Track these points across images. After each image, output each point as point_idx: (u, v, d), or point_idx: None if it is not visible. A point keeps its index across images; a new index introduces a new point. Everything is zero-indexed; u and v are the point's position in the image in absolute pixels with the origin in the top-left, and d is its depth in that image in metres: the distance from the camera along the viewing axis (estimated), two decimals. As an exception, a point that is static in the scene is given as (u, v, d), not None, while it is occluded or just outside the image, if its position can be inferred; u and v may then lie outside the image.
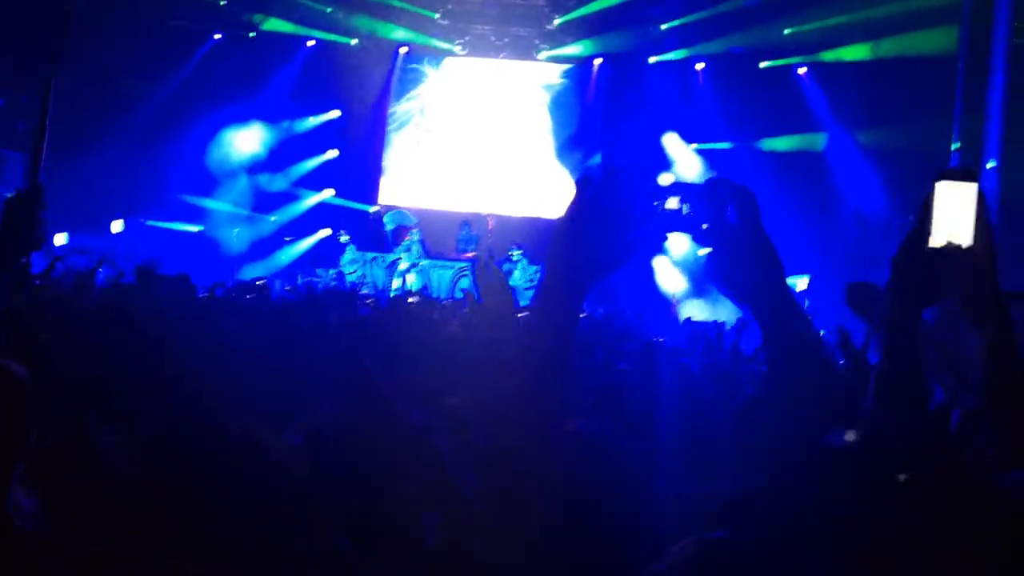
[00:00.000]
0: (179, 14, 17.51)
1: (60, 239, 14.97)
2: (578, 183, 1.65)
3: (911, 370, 1.76)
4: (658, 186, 1.68)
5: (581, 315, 1.75)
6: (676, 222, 1.68)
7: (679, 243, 1.74)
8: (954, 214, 1.72)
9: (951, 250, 1.71)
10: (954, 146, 12.62)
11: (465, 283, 16.26)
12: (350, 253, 16.77)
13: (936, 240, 1.72)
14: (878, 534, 1.39)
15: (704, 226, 1.68)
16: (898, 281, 1.77)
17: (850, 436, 1.49)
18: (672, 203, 1.67)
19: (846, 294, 3.40)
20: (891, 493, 1.40)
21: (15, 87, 16.04)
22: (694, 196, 1.68)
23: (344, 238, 16.84)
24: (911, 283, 1.76)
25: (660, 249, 15.76)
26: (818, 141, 16.71)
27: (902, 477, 1.40)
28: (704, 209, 1.67)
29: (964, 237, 1.71)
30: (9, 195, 2.31)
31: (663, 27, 17.65)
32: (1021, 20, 12.10)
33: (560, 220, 1.65)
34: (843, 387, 1.74)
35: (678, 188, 1.67)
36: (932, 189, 1.74)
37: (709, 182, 1.70)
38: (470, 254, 16.95)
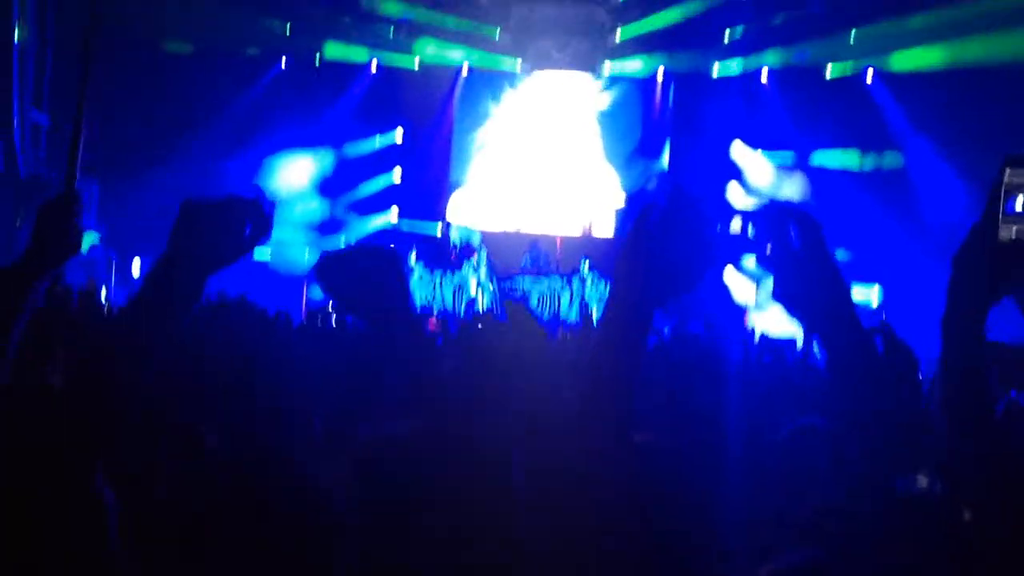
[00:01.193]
0: (246, 41, 17.86)
1: (136, 266, 15.36)
2: (643, 206, 1.67)
3: (976, 379, 1.66)
4: (722, 210, 1.68)
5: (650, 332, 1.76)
6: (740, 246, 1.67)
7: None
8: None
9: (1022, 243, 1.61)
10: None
11: (533, 302, 16.30)
12: (418, 272, 16.89)
13: (1005, 233, 1.62)
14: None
15: (767, 250, 1.67)
16: (961, 279, 1.67)
17: (921, 482, 1.45)
18: (736, 226, 1.66)
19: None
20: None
21: (85, 119, 16.46)
22: (757, 220, 1.67)
23: (412, 260, 16.97)
24: (976, 280, 1.66)
25: (723, 270, 15.72)
26: (892, 155, 16.33)
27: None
28: (767, 233, 1.67)
29: None
30: (41, 204, 2.32)
31: (727, 38, 17.52)
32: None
33: (626, 242, 1.66)
34: (907, 415, 1.69)
35: (742, 213, 1.67)
36: (1000, 176, 1.65)
37: (771, 206, 1.70)
38: (534, 272, 17.01)
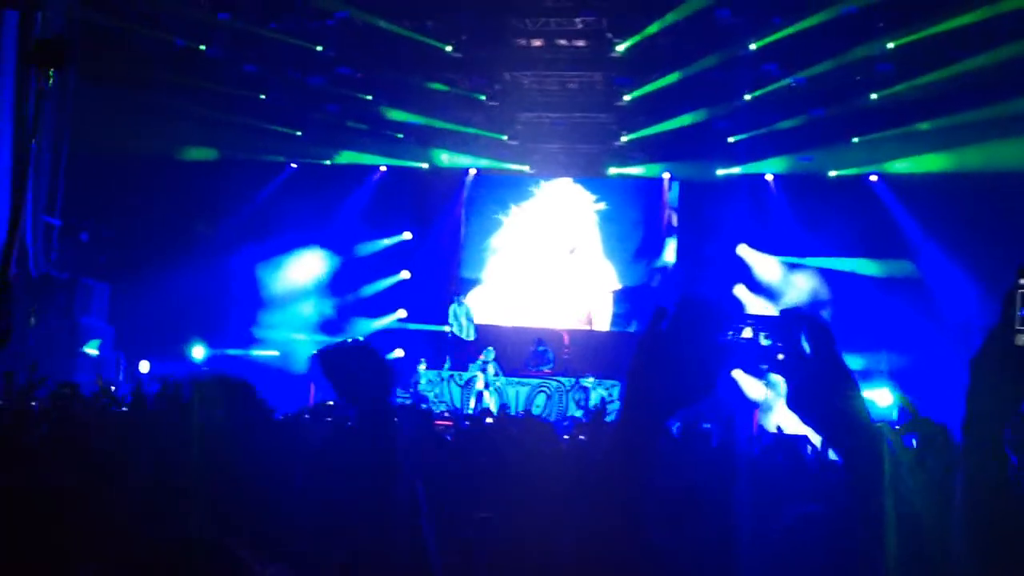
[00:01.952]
0: (260, 149, 18.19)
1: (144, 367, 15.38)
2: (654, 313, 1.68)
3: (998, 485, 1.63)
4: (733, 317, 1.68)
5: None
6: (752, 353, 1.68)
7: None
8: None
9: None
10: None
11: (541, 400, 16.24)
12: (427, 375, 16.89)
13: (1021, 339, 1.62)
14: None
15: (780, 356, 1.67)
16: (980, 384, 1.65)
17: None
18: (747, 333, 1.67)
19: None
20: None
21: (98, 221, 16.72)
22: (769, 327, 1.68)
23: (422, 366, 16.98)
24: (996, 386, 1.64)
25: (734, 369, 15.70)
26: (899, 257, 16.44)
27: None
28: (779, 340, 1.67)
29: None
30: None
31: (731, 140, 17.80)
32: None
33: (638, 346, 1.67)
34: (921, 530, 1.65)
35: (753, 319, 1.67)
36: (1016, 283, 1.65)
37: (782, 313, 1.70)
38: (546, 371, 16.97)
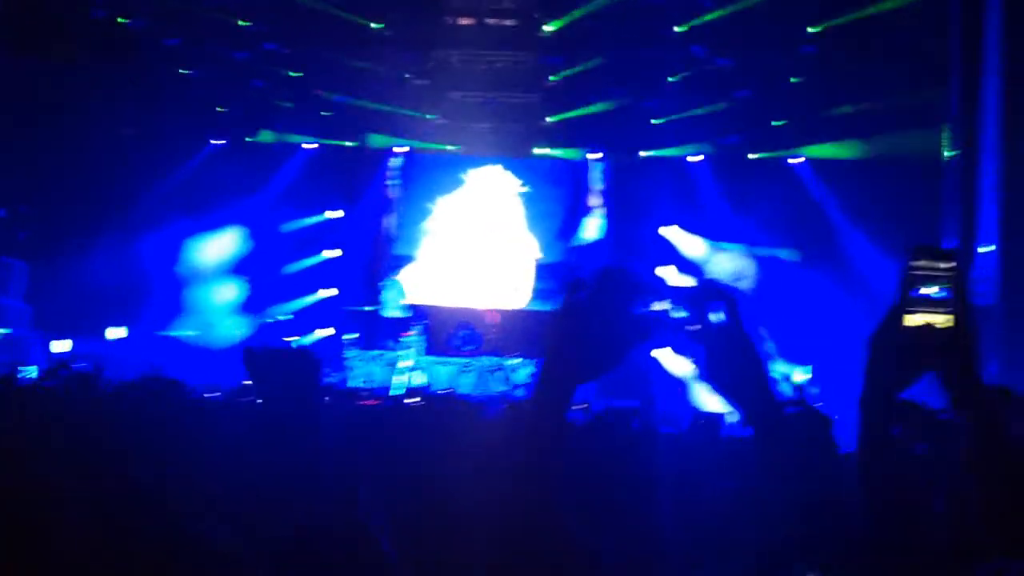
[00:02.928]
0: (179, 121, 17.81)
1: (62, 346, 15.04)
2: (569, 285, 1.67)
3: (888, 454, 1.72)
4: (647, 289, 1.69)
5: (575, 408, 1.76)
6: (665, 324, 1.69)
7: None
8: (931, 292, 1.67)
9: (928, 329, 1.66)
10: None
11: (467, 379, 16.26)
12: (354, 354, 16.78)
13: (912, 319, 1.68)
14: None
15: (693, 328, 1.69)
16: (875, 360, 1.73)
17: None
18: (661, 306, 1.68)
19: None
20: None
21: (16, 198, 16.27)
22: (681, 299, 1.69)
23: (347, 337, 16.87)
24: (887, 363, 1.71)
25: (651, 349, 15.67)
26: (821, 236, 16.77)
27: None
28: (692, 312, 1.69)
29: (941, 316, 1.66)
30: None
31: (654, 122, 17.94)
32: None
33: (553, 320, 1.67)
34: (820, 473, 1.72)
35: (668, 291, 1.69)
36: (907, 264, 1.71)
37: (695, 286, 1.72)
38: (470, 350, 16.99)
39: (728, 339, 1.69)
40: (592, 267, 1.71)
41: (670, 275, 16.90)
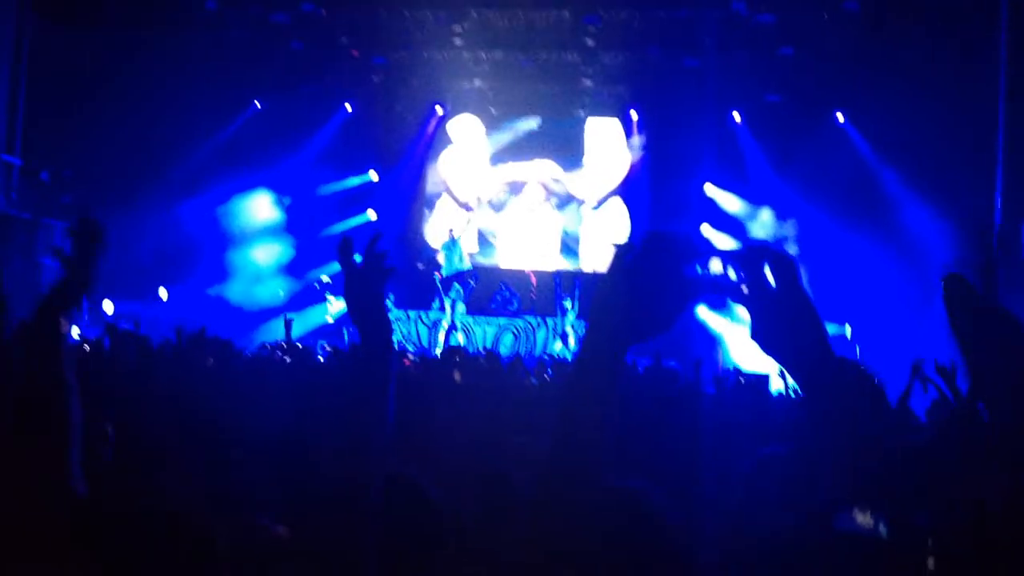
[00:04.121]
0: (219, 84, 17.87)
1: (108, 307, 15.26)
2: (619, 248, 1.67)
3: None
4: (698, 251, 1.68)
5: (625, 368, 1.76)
6: (718, 286, 1.68)
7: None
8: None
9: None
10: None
11: (508, 339, 16.33)
12: (395, 313, 16.89)
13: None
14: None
15: (744, 290, 1.69)
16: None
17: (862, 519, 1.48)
18: (716, 267, 1.67)
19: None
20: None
21: (59, 162, 16.45)
22: (733, 261, 1.69)
23: (389, 300, 16.94)
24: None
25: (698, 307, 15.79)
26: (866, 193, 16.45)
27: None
28: (743, 273, 1.68)
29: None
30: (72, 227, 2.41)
31: (694, 79, 17.75)
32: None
33: (601, 282, 1.67)
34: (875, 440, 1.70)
35: (719, 253, 1.68)
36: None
37: (747, 247, 1.71)
38: (511, 310, 17.04)
39: (783, 301, 1.68)
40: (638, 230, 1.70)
41: (711, 234, 16.82)
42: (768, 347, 1.69)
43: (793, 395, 6.42)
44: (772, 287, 1.66)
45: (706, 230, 17.19)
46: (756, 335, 1.70)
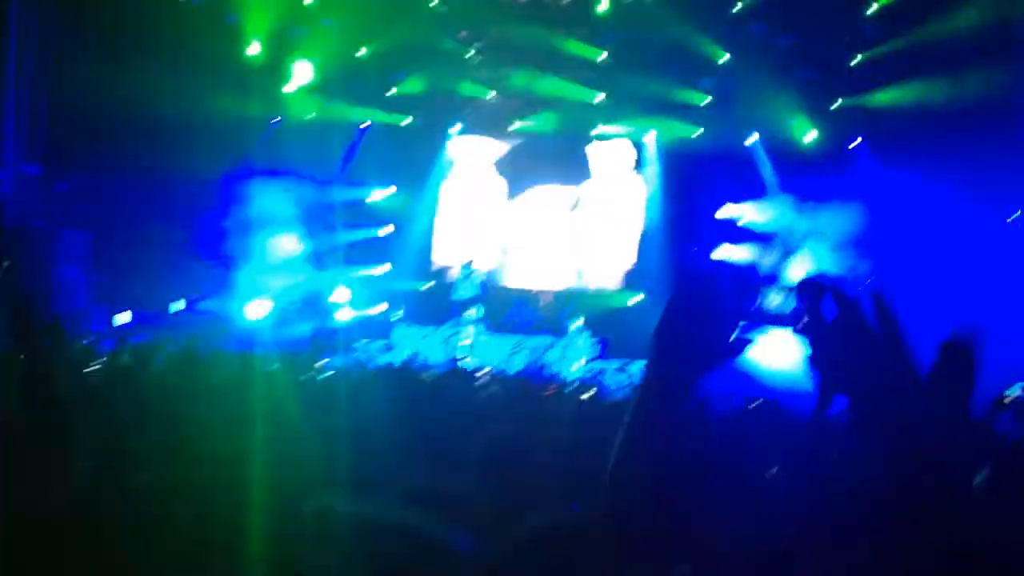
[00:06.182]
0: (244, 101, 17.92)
1: (124, 318, 15.27)
2: (677, 281, 1.69)
3: None
4: (758, 284, 1.71)
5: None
6: (776, 318, 1.71)
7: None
8: None
9: None
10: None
11: (521, 357, 16.30)
12: (403, 330, 16.89)
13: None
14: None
15: (803, 321, 1.71)
16: None
17: None
18: (775, 300, 1.70)
19: None
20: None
21: (78, 171, 16.48)
22: (791, 294, 1.71)
23: (395, 317, 17.00)
24: None
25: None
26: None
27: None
28: (802, 306, 1.71)
29: None
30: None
31: (709, 103, 17.77)
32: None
33: (663, 318, 1.68)
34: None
35: (777, 286, 1.71)
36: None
37: (806, 281, 1.74)
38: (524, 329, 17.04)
39: (846, 330, 1.69)
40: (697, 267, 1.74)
41: (739, 253, 16.66)
42: (829, 376, 1.71)
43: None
44: (829, 320, 1.68)
45: (727, 250, 16.97)
46: (815, 364, 1.72)
